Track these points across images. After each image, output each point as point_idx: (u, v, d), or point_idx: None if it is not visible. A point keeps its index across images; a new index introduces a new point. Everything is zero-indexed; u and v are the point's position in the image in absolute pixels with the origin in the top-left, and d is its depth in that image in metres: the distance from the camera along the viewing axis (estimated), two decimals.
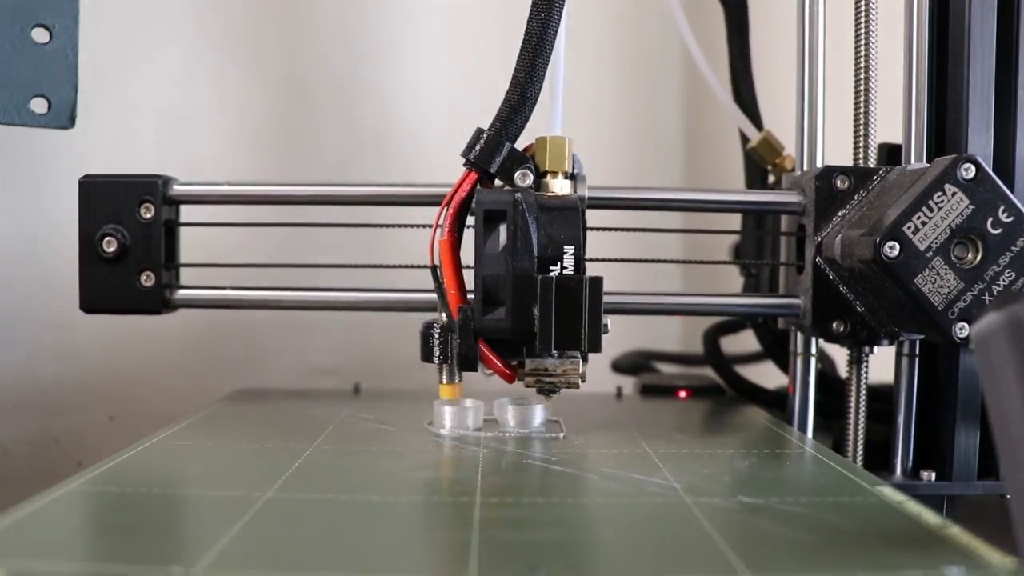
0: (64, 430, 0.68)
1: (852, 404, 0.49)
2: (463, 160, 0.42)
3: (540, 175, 0.42)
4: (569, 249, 0.40)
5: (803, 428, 0.49)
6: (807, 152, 0.49)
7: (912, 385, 0.47)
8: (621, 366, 0.67)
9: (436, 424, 0.44)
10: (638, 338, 0.74)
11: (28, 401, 0.67)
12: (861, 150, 0.48)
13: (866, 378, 0.49)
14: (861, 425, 0.49)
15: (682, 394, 0.57)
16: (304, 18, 0.73)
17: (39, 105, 0.50)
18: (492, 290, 0.40)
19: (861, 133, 0.48)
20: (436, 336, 0.42)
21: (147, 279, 0.48)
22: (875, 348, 0.48)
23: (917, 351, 0.47)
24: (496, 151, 0.41)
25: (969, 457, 0.46)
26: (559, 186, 0.42)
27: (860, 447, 0.49)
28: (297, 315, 0.74)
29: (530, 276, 0.40)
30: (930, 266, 0.40)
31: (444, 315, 0.42)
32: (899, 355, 0.48)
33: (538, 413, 0.44)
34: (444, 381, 0.43)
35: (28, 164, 0.66)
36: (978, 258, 0.40)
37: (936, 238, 0.40)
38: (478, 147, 0.41)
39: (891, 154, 0.49)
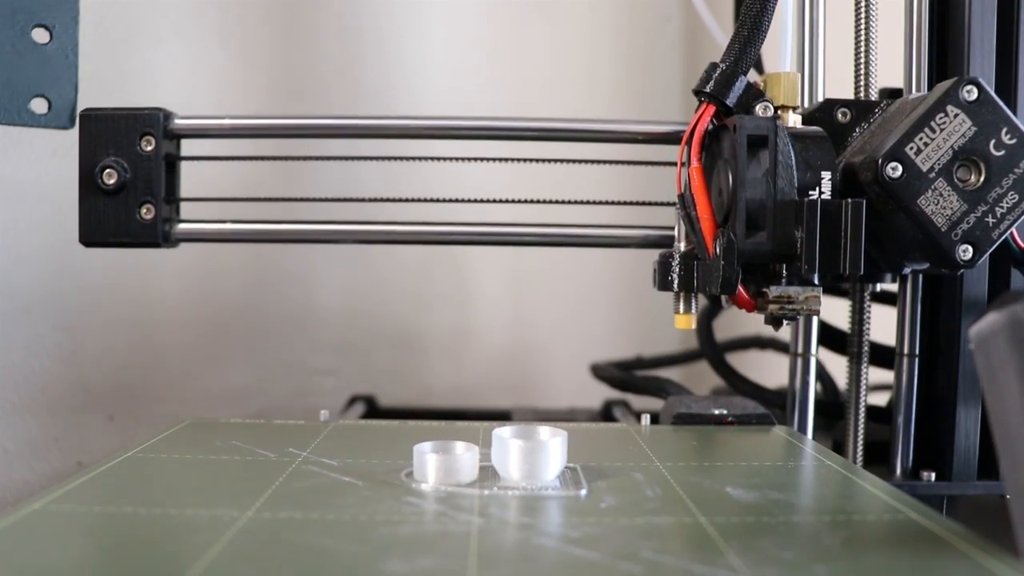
0: (64, 430, 0.68)
1: (852, 404, 0.49)
2: (697, 94, 0.42)
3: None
4: (826, 175, 0.40)
5: (803, 428, 0.49)
6: (808, 89, 0.49)
7: (912, 385, 0.47)
8: (605, 375, 0.66)
9: (417, 475, 0.34)
10: (638, 338, 0.74)
11: (28, 401, 0.67)
12: (862, 89, 0.47)
13: (866, 377, 0.49)
14: (861, 425, 0.49)
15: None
16: (304, 15, 0.73)
17: (39, 105, 0.50)
18: (753, 214, 0.40)
19: (862, 72, 0.47)
20: (676, 265, 0.42)
21: (147, 212, 0.47)
22: (878, 286, 0.48)
23: (917, 351, 0.47)
24: (732, 84, 0.42)
25: (969, 457, 0.46)
26: (793, 121, 0.43)
27: (860, 447, 0.49)
28: (296, 317, 0.74)
29: (792, 200, 0.40)
30: (933, 187, 0.39)
31: (682, 244, 0.43)
32: (899, 355, 0.48)
33: (550, 461, 0.34)
34: (681, 311, 0.43)
35: (28, 164, 0.66)
36: (981, 180, 0.40)
37: (939, 159, 0.39)
38: (714, 80, 0.42)
39: (892, 98, 0.49)
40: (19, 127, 0.50)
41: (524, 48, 0.78)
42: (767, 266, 0.41)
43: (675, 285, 0.43)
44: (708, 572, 0.24)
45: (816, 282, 0.41)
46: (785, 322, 0.42)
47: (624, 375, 0.63)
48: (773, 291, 0.41)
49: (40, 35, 0.50)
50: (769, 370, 0.64)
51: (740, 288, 0.41)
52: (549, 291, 0.81)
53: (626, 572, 0.25)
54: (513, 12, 0.78)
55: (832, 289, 0.54)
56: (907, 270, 0.45)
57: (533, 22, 0.78)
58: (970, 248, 0.39)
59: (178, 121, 0.48)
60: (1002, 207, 0.39)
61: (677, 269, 0.43)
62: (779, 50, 0.44)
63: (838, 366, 0.59)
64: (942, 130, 0.39)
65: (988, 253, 0.39)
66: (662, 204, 0.48)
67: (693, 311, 0.43)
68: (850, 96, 0.47)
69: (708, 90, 0.42)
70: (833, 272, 0.39)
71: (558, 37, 0.78)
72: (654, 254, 0.45)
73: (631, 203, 0.49)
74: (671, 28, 0.80)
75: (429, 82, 0.75)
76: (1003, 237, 0.39)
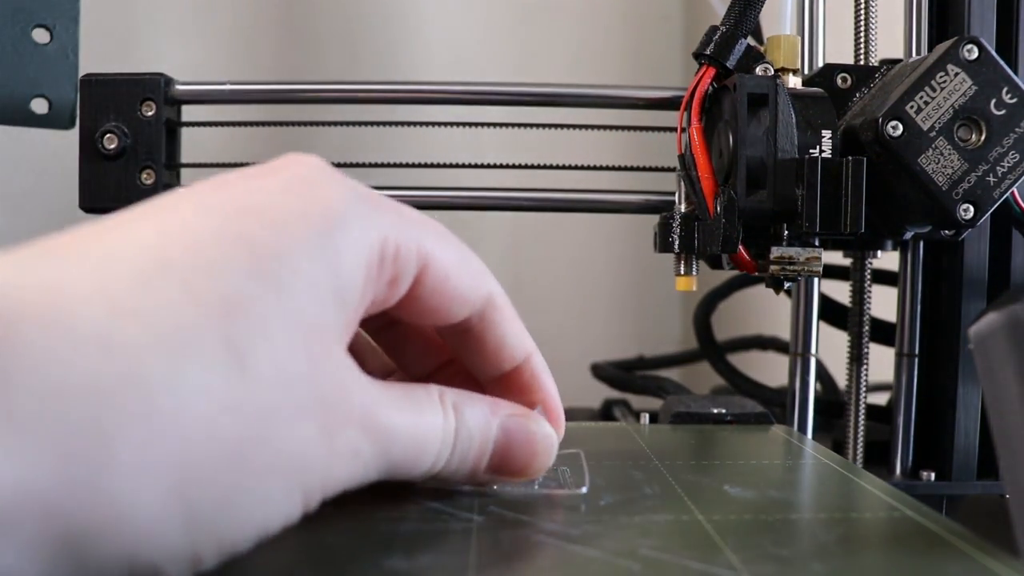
0: None
1: (852, 403, 0.49)
2: (697, 57, 0.43)
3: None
4: (826, 134, 0.40)
5: (803, 428, 0.49)
6: (807, 57, 0.49)
7: (912, 384, 0.47)
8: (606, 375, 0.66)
9: None
10: (638, 338, 0.74)
11: None
12: (862, 57, 0.47)
13: (866, 377, 0.49)
14: (861, 424, 0.49)
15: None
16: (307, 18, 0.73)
17: (39, 105, 0.50)
18: (753, 172, 0.40)
19: (862, 40, 0.47)
20: (676, 226, 0.42)
21: (147, 177, 0.47)
22: (879, 252, 0.48)
23: (917, 350, 0.47)
24: (732, 46, 0.42)
25: (969, 457, 0.46)
26: (793, 83, 0.43)
27: (860, 446, 0.49)
28: None
29: (792, 158, 0.40)
30: (933, 146, 0.39)
31: (683, 206, 0.43)
32: (899, 355, 0.48)
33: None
34: (682, 272, 0.43)
35: (29, 163, 0.66)
36: (982, 139, 0.39)
37: (939, 118, 0.39)
38: (714, 43, 0.42)
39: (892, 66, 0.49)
40: (19, 127, 0.50)
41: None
42: (768, 230, 0.41)
43: (676, 246, 0.43)
44: (706, 569, 0.24)
45: (816, 242, 0.41)
46: (786, 284, 0.42)
47: (624, 375, 0.63)
48: (774, 251, 0.41)
49: (40, 35, 0.50)
50: (769, 370, 0.64)
51: (741, 249, 0.41)
52: (550, 290, 0.81)
53: (625, 569, 0.24)
54: None
55: (833, 272, 0.55)
56: (908, 235, 0.45)
57: None
58: (971, 207, 0.39)
59: (179, 87, 0.48)
60: (1003, 166, 0.39)
61: (678, 230, 0.43)
62: (779, 16, 0.44)
63: (838, 366, 0.59)
64: (942, 89, 0.39)
65: (989, 212, 0.39)
66: (662, 169, 0.48)
67: (694, 273, 0.43)
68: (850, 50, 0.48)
69: (708, 52, 0.42)
70: (834, 230, 0.39)
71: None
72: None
73: (630, 168, 0.49)
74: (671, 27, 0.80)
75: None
76: (1004, 196, 0.39)
